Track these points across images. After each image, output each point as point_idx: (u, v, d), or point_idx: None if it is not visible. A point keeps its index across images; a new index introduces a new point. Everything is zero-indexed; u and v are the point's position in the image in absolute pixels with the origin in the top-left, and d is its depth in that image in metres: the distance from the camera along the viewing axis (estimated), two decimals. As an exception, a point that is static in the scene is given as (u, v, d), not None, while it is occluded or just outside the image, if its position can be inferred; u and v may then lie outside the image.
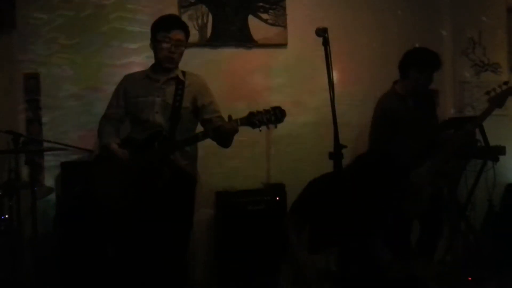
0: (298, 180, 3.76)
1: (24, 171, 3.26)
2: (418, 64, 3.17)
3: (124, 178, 2.63)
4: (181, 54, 2.83)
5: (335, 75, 2.33)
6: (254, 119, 2.43)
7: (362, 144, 3.43)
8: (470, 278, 3.48)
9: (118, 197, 2.61)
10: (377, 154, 2.64)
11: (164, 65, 2.81)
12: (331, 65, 2.14)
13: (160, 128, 2.71)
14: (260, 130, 2.44)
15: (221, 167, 3.66)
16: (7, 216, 3.05)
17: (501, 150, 3.66)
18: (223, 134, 2.56)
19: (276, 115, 2.43)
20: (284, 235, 2.60)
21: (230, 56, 3.83)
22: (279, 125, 2.47)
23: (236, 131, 2.54)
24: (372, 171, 2.40)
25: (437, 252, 3.58)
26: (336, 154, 2.05)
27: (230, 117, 2.54)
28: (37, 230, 3.07)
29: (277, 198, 3.55)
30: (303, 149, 3.88)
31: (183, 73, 2.89)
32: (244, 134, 2.63)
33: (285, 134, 3.53)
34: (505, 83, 3.39)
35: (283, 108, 2.46)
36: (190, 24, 3.47)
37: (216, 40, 3.76)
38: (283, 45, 3.89)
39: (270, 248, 3.41)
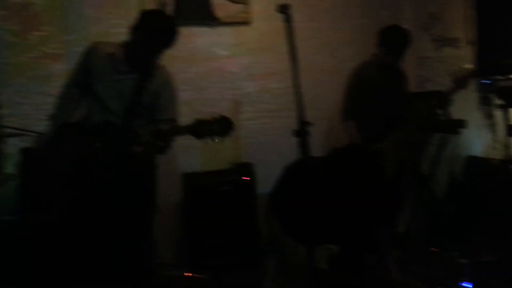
0: (266, 160, 3.80)
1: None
2: (385, 41, 3.42)
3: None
4: None
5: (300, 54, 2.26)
6: (200, 129, 2.21)
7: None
8: (435, 249, 3.58)
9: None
10: (356, 151, 2.57)
11: None
12: (294, 43, 2.09)
13: None
14: (206, 142, 2.23)
15: (185, 148, 3.57)
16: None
17: (462, 124, 3.76)
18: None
19: (223, 126, 2.21)
20: (268, 225, 2.46)
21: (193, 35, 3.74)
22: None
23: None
24: (351, 167, 2.36)
25: (400, 224, 3.68)
26: (301, 131, 2.04)
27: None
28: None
29: (245, 178, 3.51)
30: (271, 128, 3.85)
31: None
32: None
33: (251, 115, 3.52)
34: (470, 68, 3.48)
35: (230, 119, 2.24)
36: (151, 3, 3.38)
37: (178, 18, 3.65)
38: (246, 23, 3.82)
39: (239, 228, 3.40)
